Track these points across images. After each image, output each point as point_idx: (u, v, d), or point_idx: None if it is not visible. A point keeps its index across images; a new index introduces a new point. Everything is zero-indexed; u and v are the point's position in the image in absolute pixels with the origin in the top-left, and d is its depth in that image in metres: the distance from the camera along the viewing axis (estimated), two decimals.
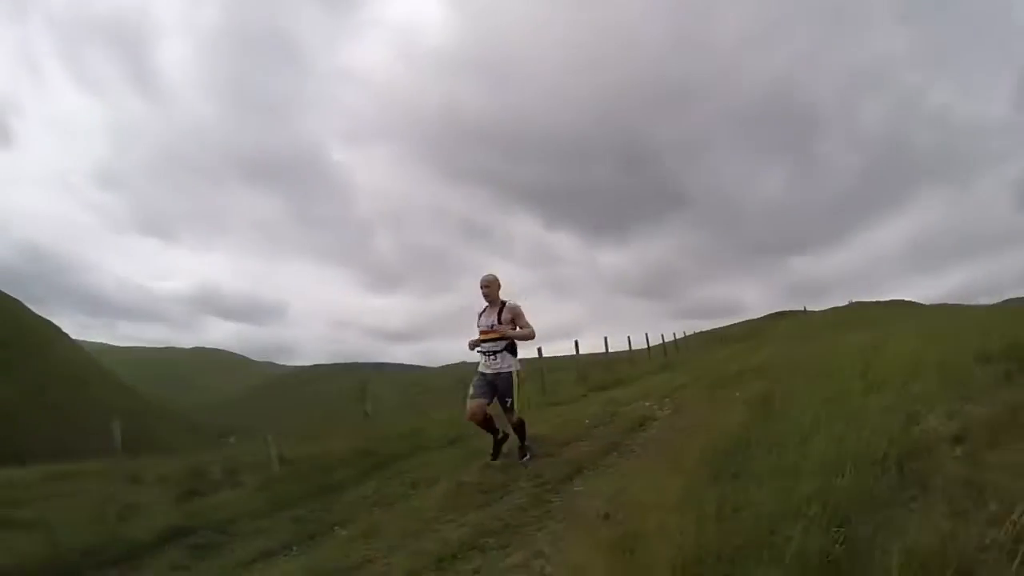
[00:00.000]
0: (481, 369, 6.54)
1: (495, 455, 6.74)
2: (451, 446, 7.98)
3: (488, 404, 6.43)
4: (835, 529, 1.97)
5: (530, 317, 6.56)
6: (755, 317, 64.31)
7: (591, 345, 25.58)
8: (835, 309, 46.67)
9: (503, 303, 6.56)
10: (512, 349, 6.54)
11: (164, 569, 5.32)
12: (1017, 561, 1.67)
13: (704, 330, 47.30)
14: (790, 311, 59.65)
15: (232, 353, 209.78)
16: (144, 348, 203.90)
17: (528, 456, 6.48)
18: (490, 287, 6.61)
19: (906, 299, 47.56)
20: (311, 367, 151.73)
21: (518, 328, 6.55)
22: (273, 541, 5.51)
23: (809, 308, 55.93)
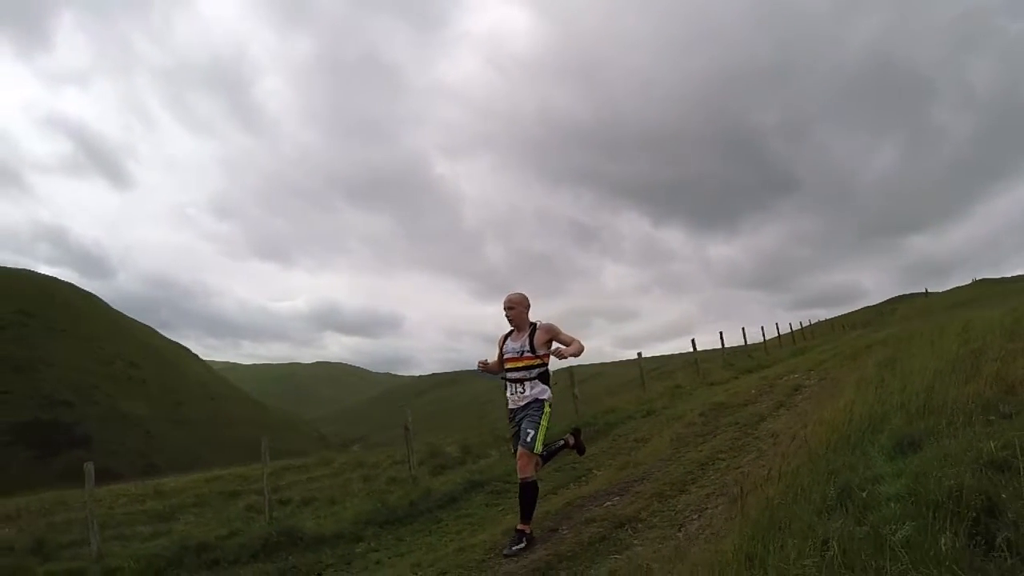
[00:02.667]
0: (510, 406, 5.82)
1: (580, 450, 6.66)
2: (650, 416, 10.51)
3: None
4: (923, 394, 4.43)
5: (571, 331, 5.82)
6: (876, 303, 63.69)
7: (707, 342, 27.34)
8: (958, 289, 46.42)
9: (533, 325, 5.81)
10: (545, 378, 5.75)
11: (480, 506, 7.69)
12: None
13: (825, 319, 47.66)
14: (911, 294, 58.87)
15: (352, 366, 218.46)
16: (268, 365, 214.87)
17: (522, 544, 5.31)
18: (515, 308, 5.85)
19: None
20: (428, 376, 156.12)
21: (564, 346, 5.74)
22: (550, 484, 7.42)
23: (931, 290, 55.36)
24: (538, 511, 6.21)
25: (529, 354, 5.70)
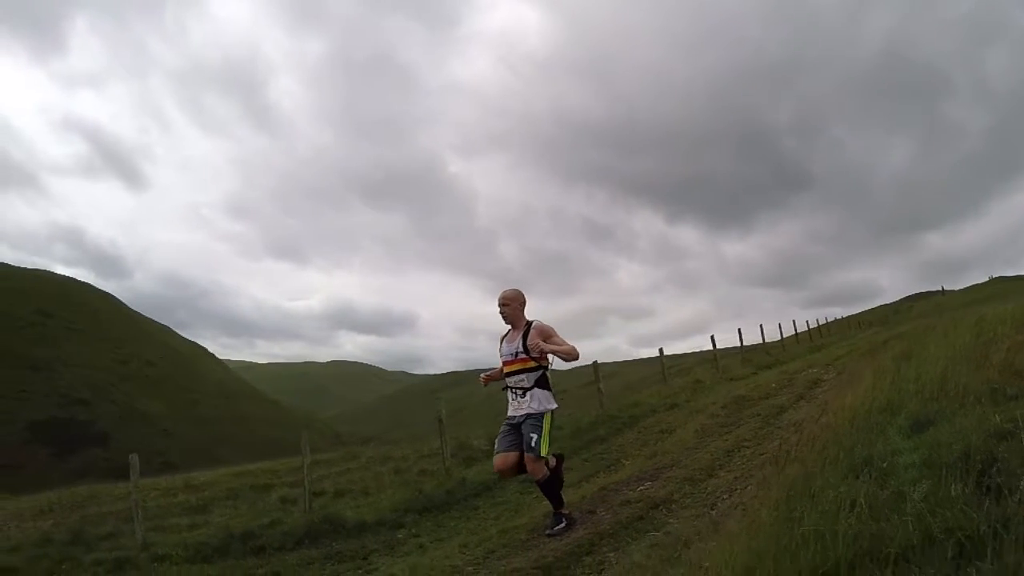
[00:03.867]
0: (509, 412, 5.52)
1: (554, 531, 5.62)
2: (673, 408, 10.88)
3: (520, 455, 5.43)
4: (937, 381, 4.79)
5: (564, 336, 5.50)
6: (892, 301, 63.73)
7: (722, 340, 27.55)
8: (974, 287, 46.52)
9: (528, 324, 5.47)
10: (544, 383, 5.43)
11: (514, 493, 7.99)
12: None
13: (840, 317, 47.78)
14: (927, 292, 58.85)
15: (366, 364, 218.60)
16: (283, 364, 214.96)
17: (563, 524, 5.41)
18: (510, 305, 5.50)
19: None
20: (443, 375, 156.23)
21: (546, 364, 5.46)
22: (582, 472, 8.06)
23: (947, 288, 55.44)
24: (574, 496, 6.61)
25: (523, 355, 5.40)
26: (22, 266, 75.73)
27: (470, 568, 5.29)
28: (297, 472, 14.67)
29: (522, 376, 5.41)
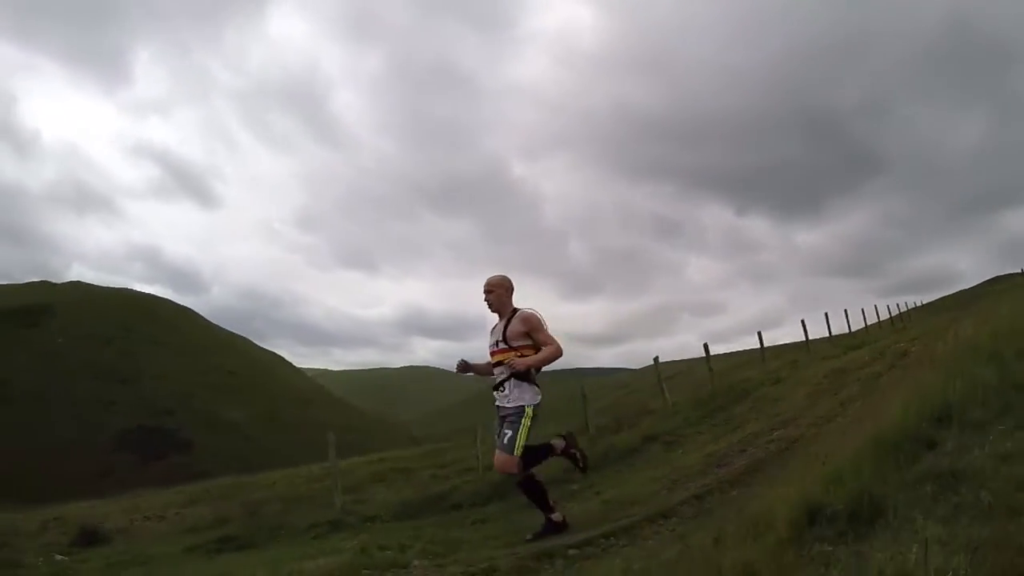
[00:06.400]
0: (496, 403, 5.27)
1: (579, 459, 5.56)
2: (778, 383, 12.40)
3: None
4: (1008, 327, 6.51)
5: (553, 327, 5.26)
6: (971, 285, 62.43)
7: (792, 333, 28.17)
8: None
9: (513, 312, 5.18)
10: (523, 375, 5.09)
11: (661, 451, 9.50)
12: None
13: (918, 304, 47.49)
14: (1008, 275, 57.55)
15: (439, 369, 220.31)
16: (358, 370, 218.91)
17: (549, 532, 5.11)
18: (494, 292, 5.24)
19: None
20: None
21: (532, 354, 5.08)
22: (715, 433, 9.38)
23: None
24: (723, 444, 8.41)
25: (504, 346, 5.14)
26: (104, 285, 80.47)
27: (664, 492, 6.46)
28: (422, 459, 15.82)
29: (504, 367, 5.13)
